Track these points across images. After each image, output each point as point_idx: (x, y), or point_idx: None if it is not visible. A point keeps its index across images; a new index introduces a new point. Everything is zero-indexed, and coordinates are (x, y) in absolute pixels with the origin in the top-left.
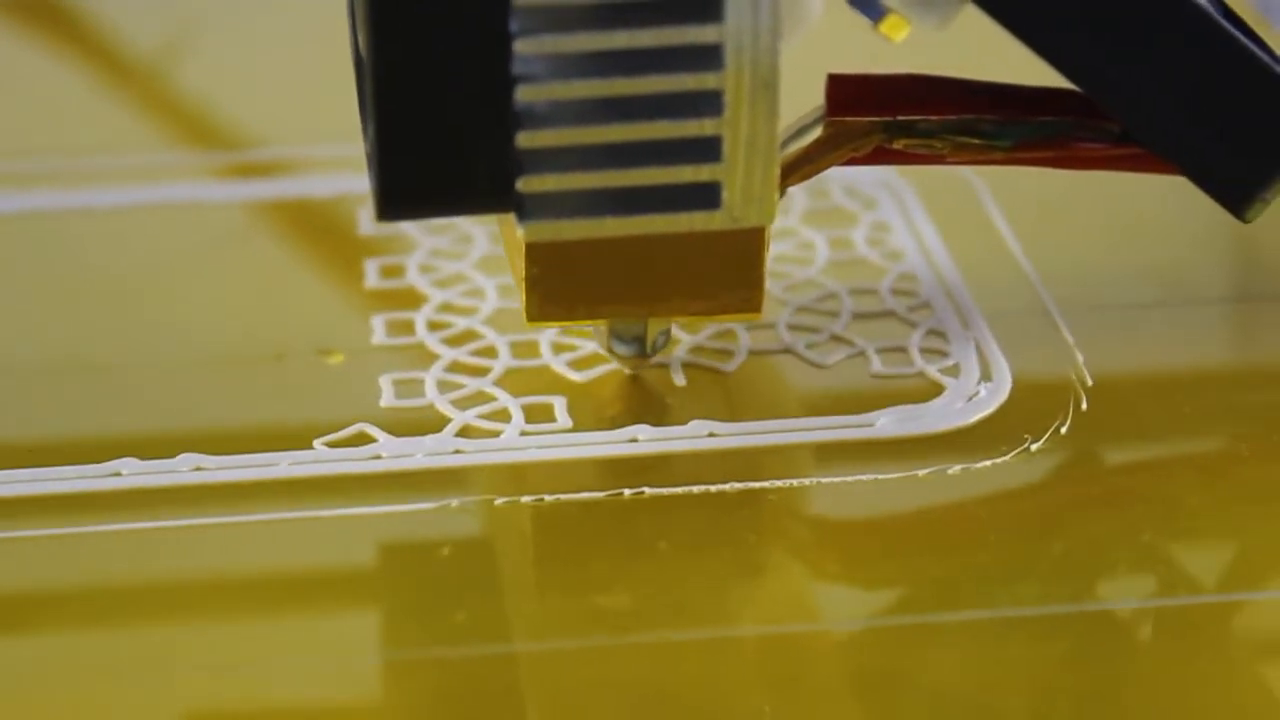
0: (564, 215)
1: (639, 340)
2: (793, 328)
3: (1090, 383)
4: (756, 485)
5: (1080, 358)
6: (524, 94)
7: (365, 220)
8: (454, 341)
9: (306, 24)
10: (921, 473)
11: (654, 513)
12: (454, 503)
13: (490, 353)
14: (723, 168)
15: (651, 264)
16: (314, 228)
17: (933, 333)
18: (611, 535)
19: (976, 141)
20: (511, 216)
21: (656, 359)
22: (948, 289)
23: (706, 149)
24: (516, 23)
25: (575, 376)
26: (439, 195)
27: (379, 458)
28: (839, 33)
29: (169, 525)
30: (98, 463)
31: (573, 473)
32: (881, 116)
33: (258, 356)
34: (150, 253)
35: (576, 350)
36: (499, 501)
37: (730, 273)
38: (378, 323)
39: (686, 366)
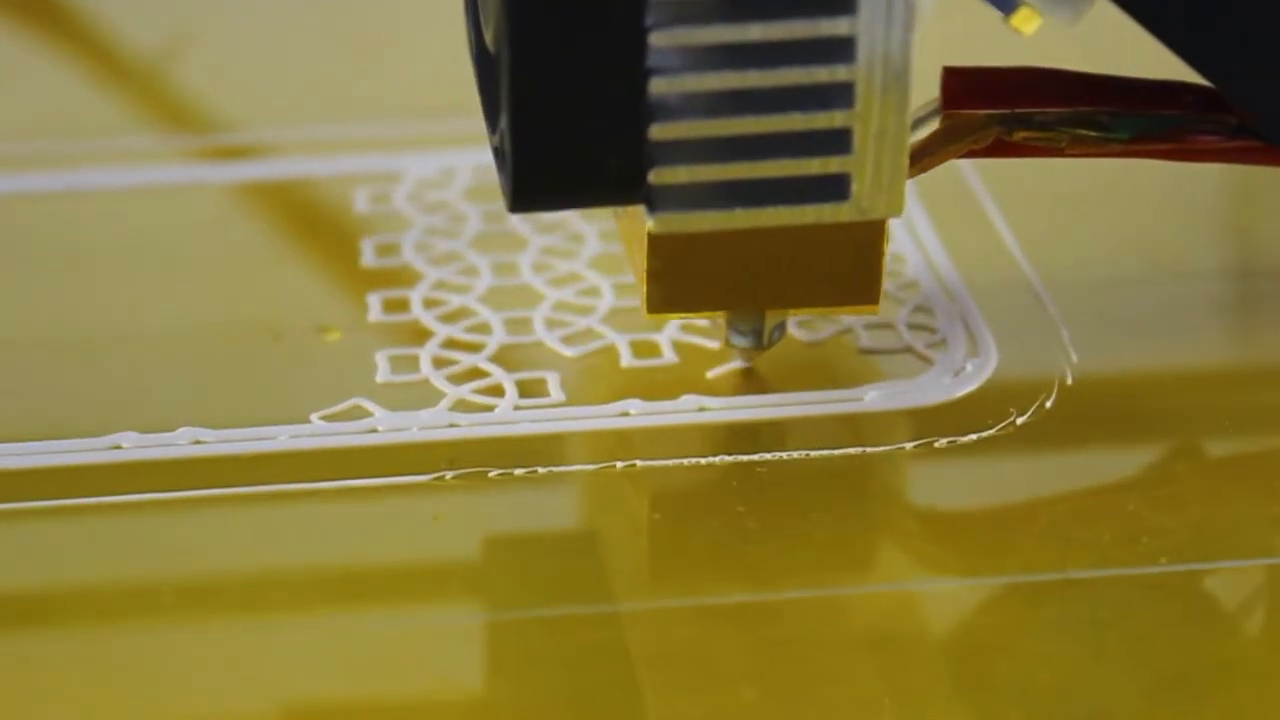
0: (693, 207)
1: (756, 332)
2: None
3: (1075, 358)
4: (746, 458)
5: (1066, 334)
6: (658, 86)
7: (361, 199)
8: (449, 318)
9: (303, 6)
10: (909, 446)
11: (646, 484)
12: (448, 475)
13: (484, 329)
14: (853, 160)
15: (771, 256)
16: (311, 208)
17: (920, 309)
18: (603, 506)
19: (1094, 134)
20: (634, 210)
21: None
22: (935, 268)
23: (837, 141)
24: (652, 16)
25: (568, 352)
26: (571, 187)
27: (375, 431)
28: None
29: (168, 497)
30: (98, 436)
31: (565, 446)
32: (997, 109)
33: (255, 334)
34: (148, 233)
35: (570, 326)
36: (493, 474)
37: (850, 265)
38: (374, 300)
39: (677, 343)
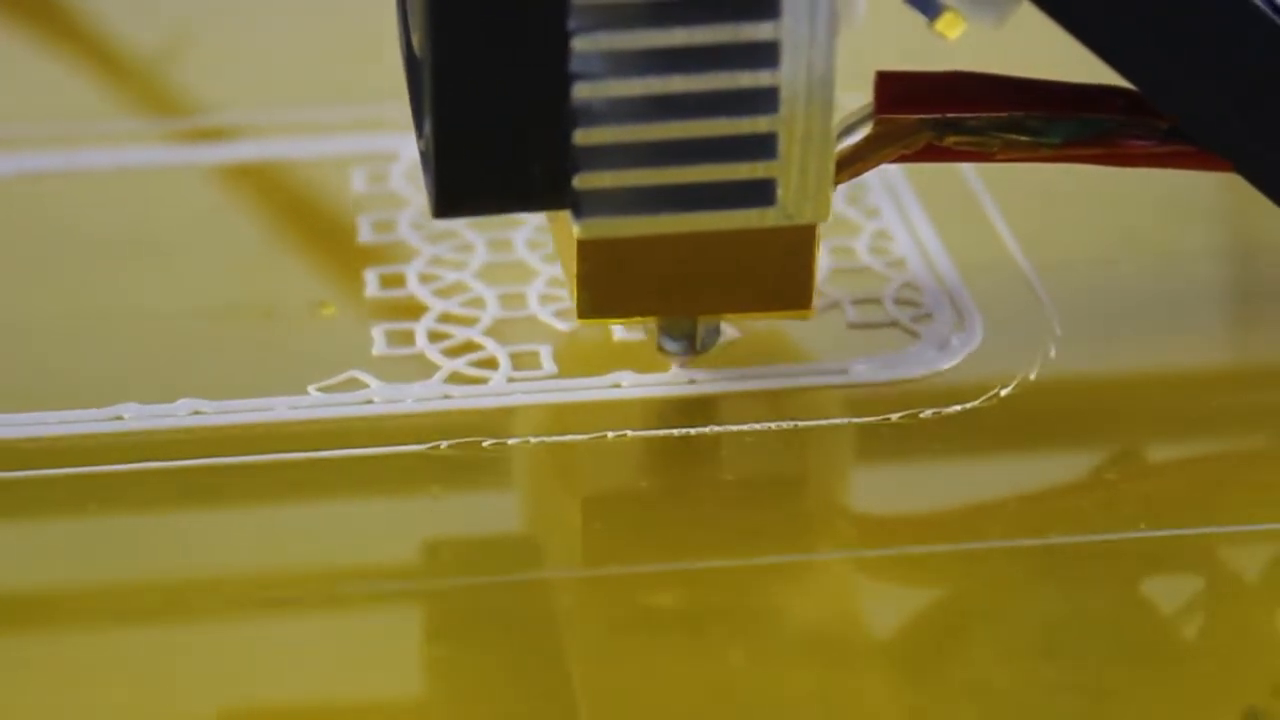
0: (619, 212)
1: (689, 337)
2: None
3: (1059, 333)
4: (734, 429)
5: (1051, 309)
6: (581, 91)
7: (358, 179)
8: (444, 293)
9: None
10: (894, 417)
11: (637, 454)
12: (443, 445)
13: (479, 304)
14: (778, 165)
15: (701, 262)
16: (308, 187)
17: (907, 285)
18: (594, 476)
19: (1025, 139)
20: (565, 214)
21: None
22: (923, 246)
23: (762, 146)
24: (574, 20)
25: (561, 326)
26: (495, 193)
27: (371, 402)
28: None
29: (169, 466)
30: (100, 407)
31: (557, 417)
32: (930, 114)
33: (253, 309)
34: (147, 213)
35: (563, 301)
36: (487, 443)
37: (780, 270)
38: (370, 276)
39: None
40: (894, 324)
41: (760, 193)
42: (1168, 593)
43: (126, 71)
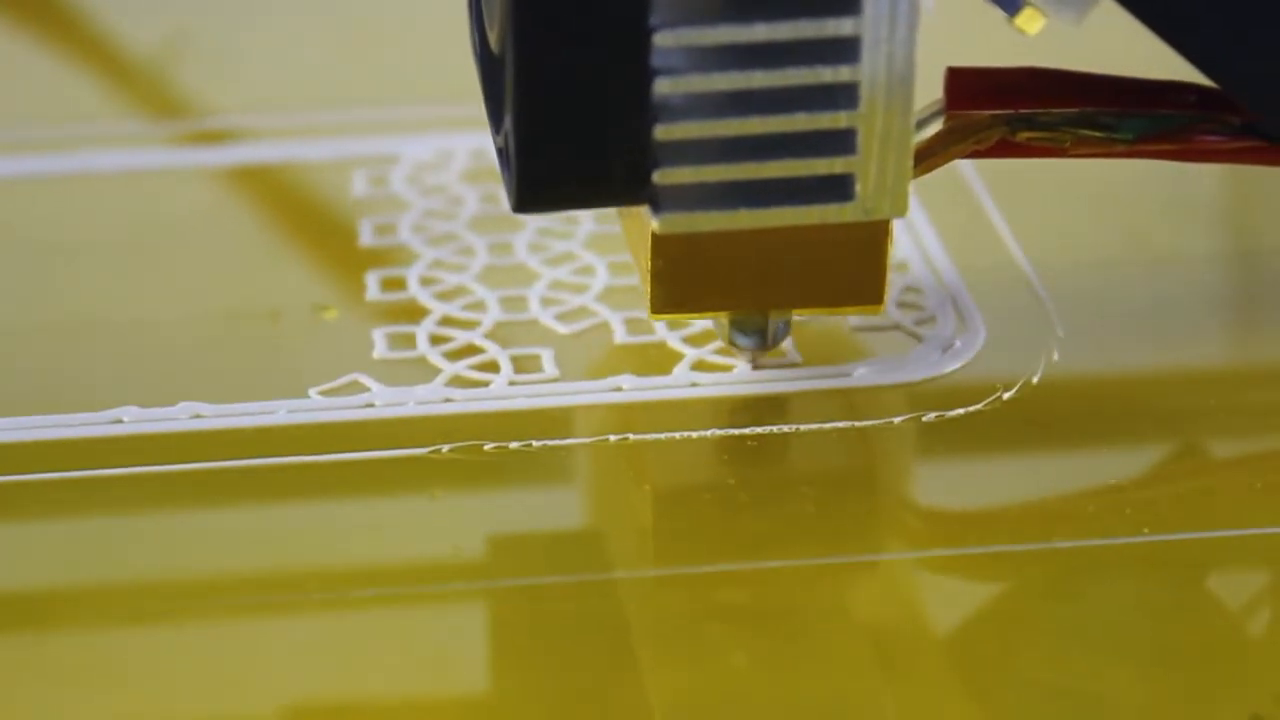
0: (697, 207)
1: (760, 332)
2: None
3: (1062, 335)
4: (737, 432)
5: (1053, 312)
6: (662, 87)
7: (359, 182)
8: (445, 296)
9: None
10: (897, 420)
11: (639, 458)
12: (445, 448)
13: (480, 307)
14: (857, 160)
15: (775, 257)
16: (309, 190)
17: (909, 289)
18: (596, 479)
19: (1098, 134)
20: (640, 210)
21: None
22: (925, 250)
23: (841, 141)
24: (657, 16)
25: (563, 329)
26: (575, 188)
27: (372, 406)
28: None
29: (169, 470)
30: (100, 410)
31: (559, 420)
32: (1001, 109)
33: (254, 312)
34: (149, 216)
35: (564, 304)
36: (488, 447)
37: (853, 265)
38: (371, 279)
39: (671, 321)
40: (896, 327)
41: (838, 188)
42: (1172, 597)
43: (127, 74)
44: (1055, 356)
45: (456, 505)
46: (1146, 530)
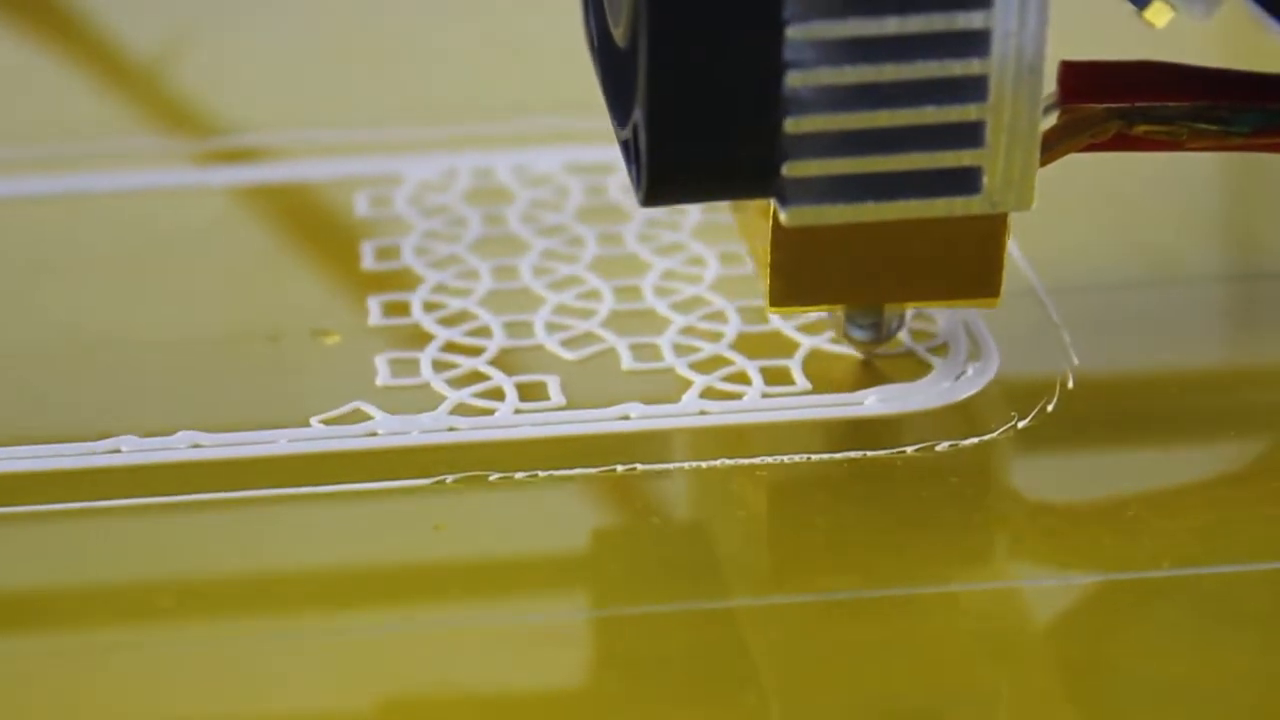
0: (824, 200)
1: (875, 325)
2: None
3: (1077, 361)
4: (746, 462)
5: (1067, 337)
6: (793, 80)
7: (361, 203)
8: (449, 322)
9: (303, 10)
10: (910, 450)
11: (645, 488)
12: (449, 479)
13: (485, 333)
14: (985, 153)
15: (893, 250)
16: (311, 211)
17: (921, 315)
18: (603, 510)
19: (1214, 128)
20: (755, 204)
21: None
22: None
23: (969, 134)
24: (788, 9)
25: (569, 356)
26: (704, 180)
27: (375, 435)
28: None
29: (167, 501)
30: (97, 440)
31: (565, 449)
32: (1116, 103)
33: (255, 337)
34: (148, 237)
35: (570, 330)
36: (493, 477)
37: (972, 258)
38: (374, 304)
39: (678, 346)
40: (909, 353)
41: (965, 181)
42: (1189, 629)
43: (129, 92)
44: (1070, 384)
45: (461, 537)
46: (1166, 565)
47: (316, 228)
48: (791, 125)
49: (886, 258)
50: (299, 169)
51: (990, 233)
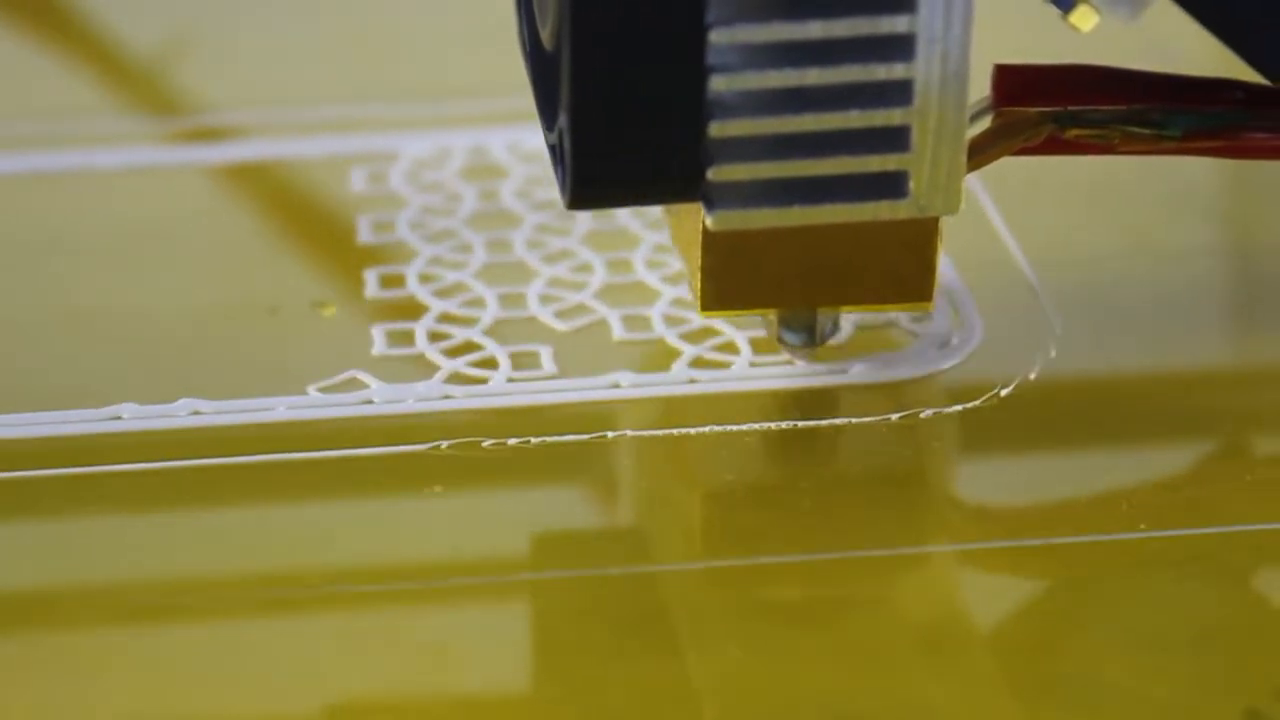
0: (751, 204)
1: (809, 330)
2: None
3: (1059, 332)
4: (734, 428)
5: (1050, 309)
6: (717, 84)
7: (357, 179)
8: (444, 294)
9: None
10: (894, 417)
11: (634, 454)
12: (444, 445)
13: (479, 304)
14: (911, 157)
15: (825, 254)
16: (308, 187)
17: None
18: (594, 475)
19: (1147, 131)
20: (687, 208)
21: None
22: None
23: (895, 139)
24: (712, 13)
25: (561, 326)
26: (628, 184)
27: (371, 403)
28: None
29: (168, 467)
30: (99, 407)
31: (557, 416)
32: (1050, 106)
33: (253, 309)
34: (147, 213)
35: (562, 301)
36: (487, 444)
37: (904, 262)
38: (370, 276)
39: (668, 318)
40: (893, 324)
41: (892, 185)
42: (1167, 593)
43: (126, 71)
44: (1052, 354)
45: (456, 502)
46: (1143, 526)
47: (314, 204)
48: (716, 129)
49: (818, 262)
50: (296, 146)
51: (922, 236)
